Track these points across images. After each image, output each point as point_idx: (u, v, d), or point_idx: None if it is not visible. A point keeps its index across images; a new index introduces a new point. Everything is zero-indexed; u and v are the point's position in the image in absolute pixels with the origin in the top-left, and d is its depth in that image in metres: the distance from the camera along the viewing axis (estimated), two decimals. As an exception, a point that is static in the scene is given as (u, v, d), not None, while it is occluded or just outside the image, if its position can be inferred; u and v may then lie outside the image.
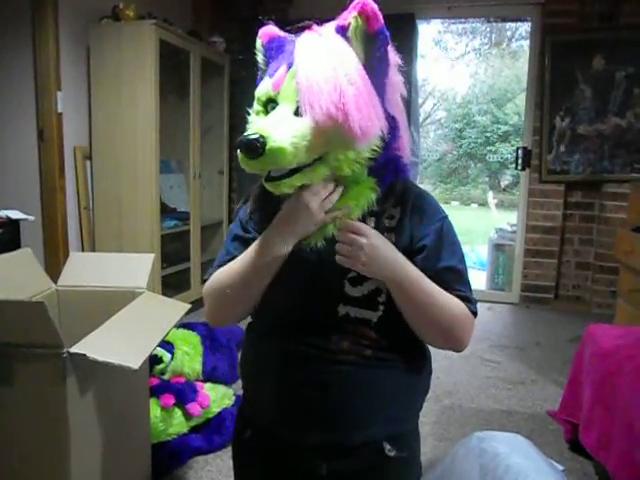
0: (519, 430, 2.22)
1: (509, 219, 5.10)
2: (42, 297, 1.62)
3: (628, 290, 2.76)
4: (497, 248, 4.82)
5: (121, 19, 3.17)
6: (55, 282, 1.72)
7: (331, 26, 0.89)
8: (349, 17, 0.86)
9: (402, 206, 0.95)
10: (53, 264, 2.97)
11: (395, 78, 0.93)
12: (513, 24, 10.26)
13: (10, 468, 1.24)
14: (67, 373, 1.18)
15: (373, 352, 0.92)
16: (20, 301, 1.24)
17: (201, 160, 3.80)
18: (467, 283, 0.96)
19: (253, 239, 0.95)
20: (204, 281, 1.02)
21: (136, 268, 1.72)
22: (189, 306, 1.67)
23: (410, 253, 0.92)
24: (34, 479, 1.24)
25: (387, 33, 0.87)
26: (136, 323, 1.42)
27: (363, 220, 0.91)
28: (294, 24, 0.93)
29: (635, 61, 3.78)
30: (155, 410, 1.94)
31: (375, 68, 0.86)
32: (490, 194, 11.77)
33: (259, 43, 0.97)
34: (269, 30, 0.96)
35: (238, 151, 0.82)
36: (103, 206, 3.29)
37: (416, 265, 0.91)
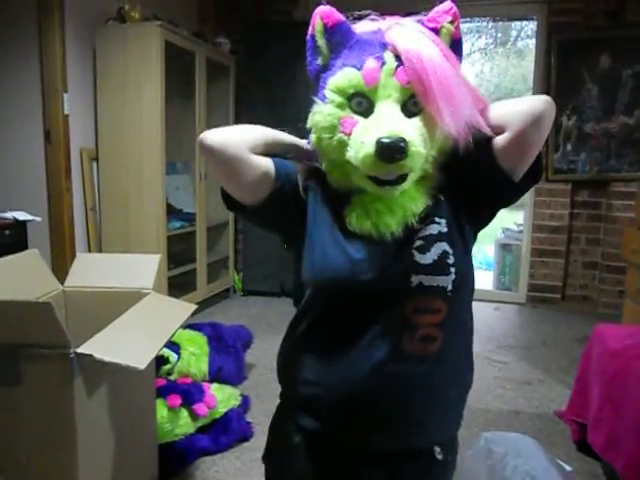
0: (526, 430, 2.21)
1: (516, 219, 5.08)
2: (49, 298, 1.63)
3: (636, 290, 2.74)
4: (504, 248, 4.80)
5: (127, 21, 3.19)
6: (62, 283, 1.73)
7: (416, 23, 0.89)
8: (442, 20, 0.87)
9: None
10: (60, 265, 2.99)
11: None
12: (519, 23, 10.21)
13: (18, 468, 1.24)
14: (74, 374, 1.19)
15: (441, 345, 0.90)
16: (27, 302, 1.25)
17: (206, 162, 3.80)
18: None
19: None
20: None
21: (142, 269, 1.72)
22: (195, 307, 1.67)
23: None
24: (42, 479, 1.24)
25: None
26: (142, 324, 1.43)
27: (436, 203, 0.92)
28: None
29: (642, 59, 3.76)
30: (162, 410, 1.94)
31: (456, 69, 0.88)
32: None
33: (320, 25, 0.89)
34: (333, 13, 0.89)
35: (371, 152, 0.80)
36: (110, 207, 3.30)
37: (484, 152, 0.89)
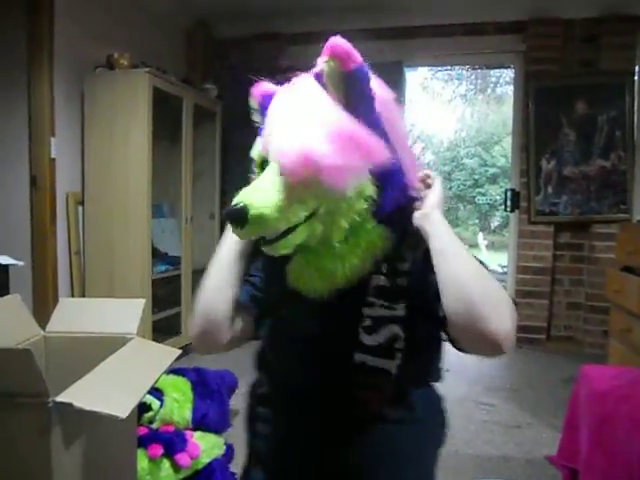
0: (517, 477, 2.17)
1: (500, 260, 5.13)
2: (29, 344, 1.59)
3: (619, 329, 2.75)
4: (489, 289, 4.82)
5: (115, 68, 3.23)
6: (44, 328, 1.69)
7: (310, 75, 0.89)
8: (320, 62, 0.85)
9: (415, 247, 0.91)
10: (42, 310, 2.93)
11: (389, 113, 0.90)
12: (497, 71, 10.56)
13: (-10, 525, 1.18)
14: (52, 423, 1.15)
15: (394, 409, 0.90)
16: (5, 348, 1.21)
17: (192, 204, 3.81)
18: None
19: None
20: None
21: (127, 313, 1.69)
22: (179, 351, 1.64)
23: (425, 296, 0.87)
24: (15, 536, 1.18)
25: (366, 70, 0.85)
26: (125, 370, 1.39)
27: (376, 267, 0.89)
28: (284, 71, 0.94)
29: (616, 105, 3.88)
30: (142, 461, 1.88)
31: (360, 107, 0.84)
32: (480, 235, 11.86)
33: (254, 103, 0.95)
34: (262, 87, 0.95)
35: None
36: (94, 251, 3.27)
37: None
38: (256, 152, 0.92)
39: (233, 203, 0.79)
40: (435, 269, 0.83)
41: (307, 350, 0.91)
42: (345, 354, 0.88)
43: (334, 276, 0.87)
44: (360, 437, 0.89)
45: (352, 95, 0.84)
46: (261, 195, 0.79)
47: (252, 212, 0.77)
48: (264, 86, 0.95)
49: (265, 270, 1.00)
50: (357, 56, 0.83)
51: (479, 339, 0.80)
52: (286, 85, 0.90)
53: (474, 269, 0.84)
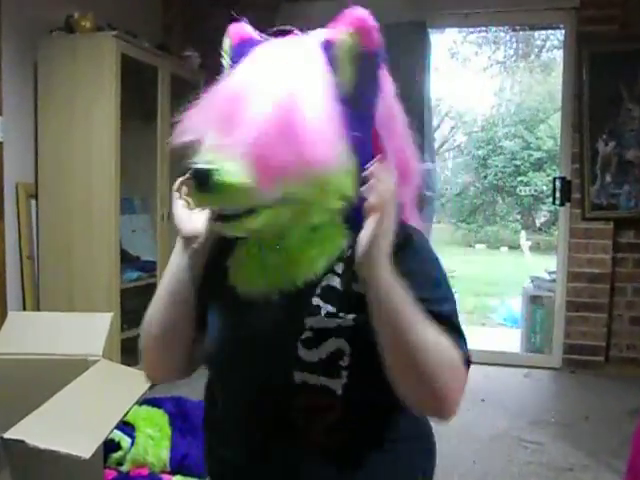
0: (569, 530, 2.16)
1: (547, 265, 5.12)
2: (-28, 368, 1.60)
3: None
4: (533, 301, 4.81)
5: (76, 31, 3.24)
6: (-11, 349, 1.70)
7: (316, 37, 0.90)
8: (340, 32, 0.87)
9: None
10: (-13, 327, 2.94)
11: (389, 110, 0.95)
12: (543, 32, 10.55)
13: None
14: (1, 464, 1.16)
15: (346, 435, 0.91)
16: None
17: (170, 197, 3.81)
18: (457, 326, 0.92)
19: None
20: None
21: (90, 331, 1.70)
22: (155, 377, 1.64)
23: None
24: None
25: (383, 56, 0.89)
26: (89, 400, 1.40)
27: (331, 266, 0.93)
28: (282, 34, 0.95)
29: (690, 74, 3.87)
30: (111, 510, 1.89)
31: (363, 96, 0.88)
32: (523, 235, 11.83)
33: (227, 44, 0.98)
34: (241, 30, 0.97)
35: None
36: (50, 254, 3.28)
37: None
38: None
39: (202, 160, 0.82)
40: (376, 326, 0.84)
41: (240, 365, 0.94)
42: (282, 372, 0.90)
43: (282, 273, 0.91)
44: (309, 472, 0.90)
45: (359, 81, 0.87)
46: (235, 161, 0.80)
47: (220, 179, 0.79)
48: (246, 29, 0.97)
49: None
50: (379, 37, 0.86)
51: (421, 404, 0.89)
52: (280, 39, 0.93)
53: (422, 336, 0.84)
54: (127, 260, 3.62)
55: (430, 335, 0.84)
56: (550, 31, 9.52)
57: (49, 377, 1.57)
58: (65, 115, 3.23)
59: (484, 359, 4.07)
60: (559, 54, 7.93)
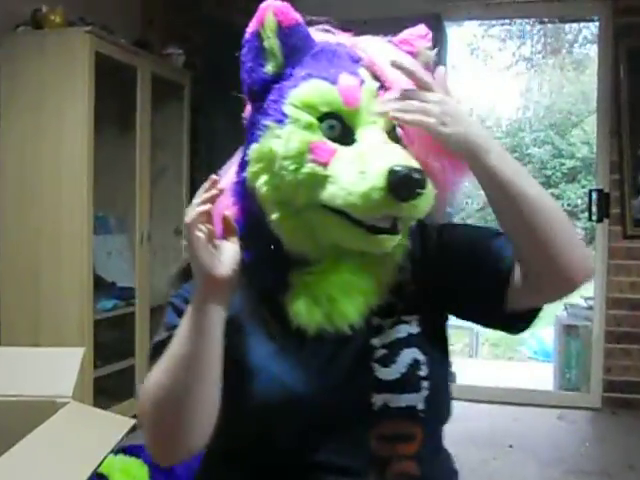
0: None
1: (583, 291, 5.10)
2: None
3: None
4: (567, 331, 4.78)
5: (44, 26, 3.26)
6: (-59, 390, 1.69)
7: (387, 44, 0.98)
8: (419, 44, 0.98)
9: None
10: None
11: None
12: (575, 25, 10.61)
13: None
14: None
15: (428, 461, 0.94)
16: None
17: (151, 216, 3.82)
18: None
19: None
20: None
21: (58, 368, 1.70)
22: (133, 422, 1.64)
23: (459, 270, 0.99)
24: None
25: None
26: (56, 448, 1.39)
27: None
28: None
29: None
30: None
31: None
32: (554, 255, 11.80)
33: (273, 22, 0.94)
34: (291, 13, 0.95)
35: (380, 185, 0.82)
36: (13, 281, 3.28)
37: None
38: (324, 98, 0.90)
39: (395, 163, 0.83)
40: (498, 199, 0.91)
41: (307, 413, 0.92)
42: (359, 399, 0.92)
43: (367, 299, 0.92)
44: None
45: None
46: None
47: (429, 185, 0.85)
48: (292, 11, 0.95)
49: (240, 309, 0.98)
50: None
51: (557, 277, 0.92)
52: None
53: (545, 193, 0.93)
54: (101, 287, 3.61)
55: (550, 198, 0.94)
56: (583, 24, 9.57)
57: (10, 422, 1.56)
58: (31, 121, 3.25)
59: (512, 398, 4.05)
60: (593, 49, 7.96)
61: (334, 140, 0.89)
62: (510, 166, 0.88)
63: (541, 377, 4.81)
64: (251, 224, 0.95)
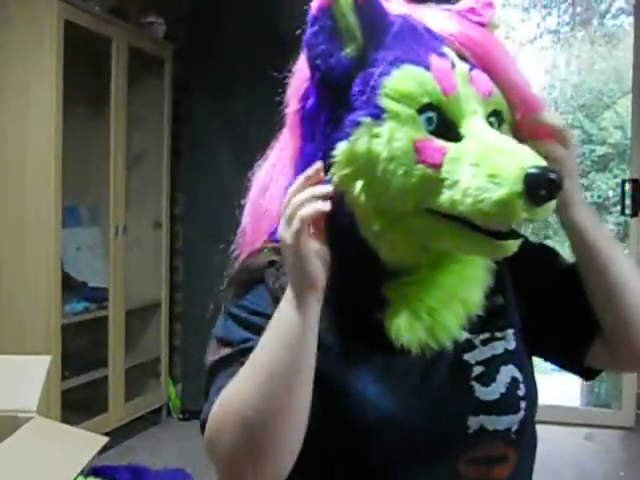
0: None
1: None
2: None
3: None
4: (597, 339, 4.80)
5: (6, -8, 3.27)
6: None
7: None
8: (488, 14, 0.98)
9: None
10: None
11: None
12: (608, -6, 10.61)
13: None
14: None
15: None
16: None
17: (127, 206, 3.82)
18: None
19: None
20: (202, 427, 0.93)
21: (21, 379, 1.70)
22: (106, 439, 1.64)
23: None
24: None
25: None
26: (19, 469, 1.39)
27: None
28: None
29: None
30: None
31: None
32: (583, 253, 11.82)
33: (348, 8, 0.87)
34: None
35: (517, 191, 0.79)
36: (-29, 279, 3.28)
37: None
38: (423, 86, 0.86)
39: (530, 164, 0.81)
40: (590, 272, 0.98)
41: (400, 435, 0.93)
42: (456, 426, 0.93)
43: (467, 309, 0.93)
44: None
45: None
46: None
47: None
48: None
49: (332, 328, 0.96)
50: None
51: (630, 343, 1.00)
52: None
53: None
54: (70, 286, 3.61)
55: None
56: (617, -8, 9.56)
57: (-32, 439, 1.57)
58: (-9, 99, 3.25)
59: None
60: (628, 21, 7.95)
61: (436, 135, 0.85)
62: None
63: (567, 392, 4.82)
64: (336, 233, 0.88)
